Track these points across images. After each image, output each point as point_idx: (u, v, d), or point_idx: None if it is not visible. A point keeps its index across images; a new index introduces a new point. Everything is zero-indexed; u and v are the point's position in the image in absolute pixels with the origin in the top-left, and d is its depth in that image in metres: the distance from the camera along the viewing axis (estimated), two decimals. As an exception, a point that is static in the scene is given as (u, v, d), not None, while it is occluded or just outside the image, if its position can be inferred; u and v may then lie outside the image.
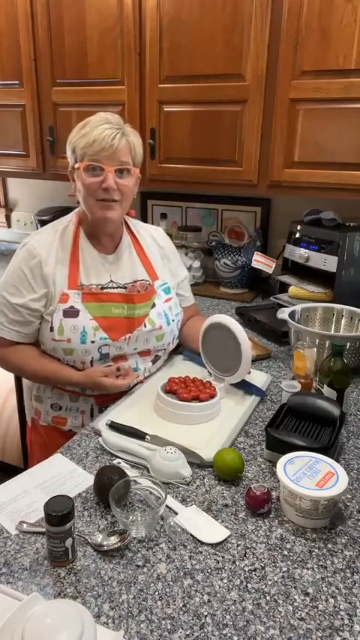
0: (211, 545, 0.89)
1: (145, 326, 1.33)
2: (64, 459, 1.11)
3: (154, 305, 1.37)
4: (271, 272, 2.06)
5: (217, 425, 1.21)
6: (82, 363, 1.31)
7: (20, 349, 1.34)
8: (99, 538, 0.88)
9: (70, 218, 1.38)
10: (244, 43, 1.74)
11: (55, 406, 1.40)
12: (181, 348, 1.57)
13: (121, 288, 1.35)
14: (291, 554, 0.87)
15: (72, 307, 1.28)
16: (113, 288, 1.34)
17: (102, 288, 1.32)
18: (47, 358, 1.33)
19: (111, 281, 1.35)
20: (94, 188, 1.24)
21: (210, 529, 0.92)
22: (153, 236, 1.48)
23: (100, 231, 1.35)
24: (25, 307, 1.29)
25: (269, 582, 0.81)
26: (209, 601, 0.78)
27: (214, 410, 1.24)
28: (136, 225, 1.46)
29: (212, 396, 1.24)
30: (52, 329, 1.28)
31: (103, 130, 1.22)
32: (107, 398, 1.33)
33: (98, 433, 1.19)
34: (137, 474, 1.05)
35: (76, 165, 1.26)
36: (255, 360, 1.57)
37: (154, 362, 1.42)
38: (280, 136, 1.77)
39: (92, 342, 1.28)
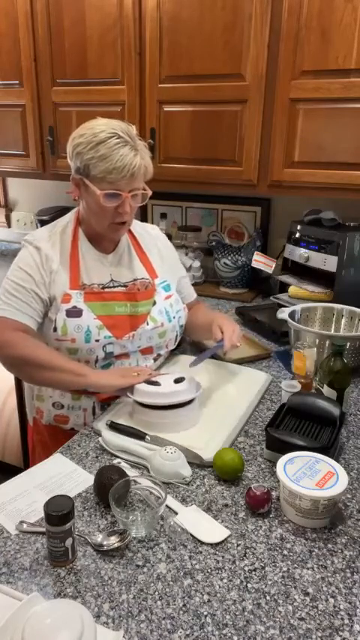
0: (211, 545, 0.89)
1: (147, 324, 1.35)
2: (64, 458, 1.11)
3: (154, 303, 1.38)
4: (271, 272, 2.06)
5: (217, 425, 1.21)
6: (87, 362, 1.31)
7: (25, 337, 1.26)
8: (99, 538, 0.88)
9: (68, 219, 1.38)
10: (244, 43, 1.74)
11: (57, 405, 1.40)
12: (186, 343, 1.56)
13: (121, 286, 1.36)
14: (291, 554, 0.87)
15: (75, 307, 1.29)
16: (114, 287, 1.35)
17: (103, 288, 1.34)
18: (49, 348, 1.29)
19: (112, 280, 1.36)
20: (110, 211, 1.25)
21: (210, 529, 0.92)
22: (151, 234, 1.49)
23: (102, 237, 1.36)
24: (29, 290, 1.27)
25: (269, 582, 0.81)
26: (209, 601, 0.78)
27: (194, 413, 1.21)
28: (135, 224, 1.46)
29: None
30: (55, 329, 1.29)
31: (122, 157, 1.18)
32: (109, 396, 1.33)
33: (98, 433, 1.19)
34: (137, 473, 1.05)
35: (97, 192, 1.21)
36: (255, 360, 1.58)
37: (155, 360, 1.43)
38: (280, 135, 1.77)
39: (97, 340, 1.29)
